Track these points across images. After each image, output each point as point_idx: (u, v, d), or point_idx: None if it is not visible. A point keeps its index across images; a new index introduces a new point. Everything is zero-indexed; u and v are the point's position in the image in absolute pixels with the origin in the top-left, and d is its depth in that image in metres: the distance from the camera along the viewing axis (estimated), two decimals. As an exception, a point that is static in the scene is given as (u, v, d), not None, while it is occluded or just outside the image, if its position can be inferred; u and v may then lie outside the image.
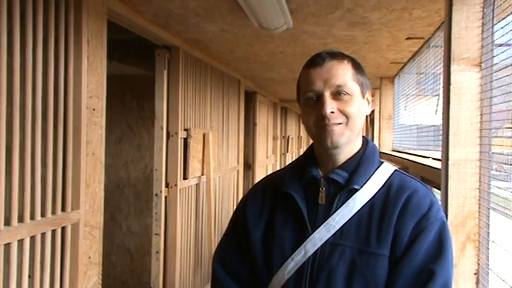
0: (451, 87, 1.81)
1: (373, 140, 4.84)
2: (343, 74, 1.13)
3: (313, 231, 1.12)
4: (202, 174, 3.75)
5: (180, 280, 3.38)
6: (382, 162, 1.20)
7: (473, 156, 1.79)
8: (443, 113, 1.88)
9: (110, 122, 4.10)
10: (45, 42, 1.79)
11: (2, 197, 1.58)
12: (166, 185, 3.21)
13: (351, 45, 3.33)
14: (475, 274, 1.76)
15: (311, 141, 1.26)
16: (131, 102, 4.61)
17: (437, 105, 3.05)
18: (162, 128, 3.14)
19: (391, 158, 3.98)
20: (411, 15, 2.50)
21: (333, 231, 1.10)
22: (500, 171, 1.69)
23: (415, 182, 1.15)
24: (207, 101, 3.91)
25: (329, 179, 1.15)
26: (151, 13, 2.57)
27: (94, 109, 2.07)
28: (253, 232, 1.21)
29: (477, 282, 1.76)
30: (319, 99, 1.12)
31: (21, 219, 1.68)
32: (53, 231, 1.85)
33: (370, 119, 6.37)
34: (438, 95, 2.92)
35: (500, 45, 1.73)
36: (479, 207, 1.77)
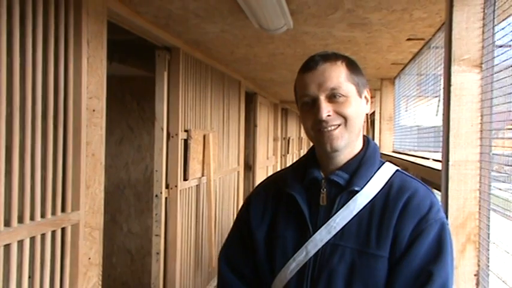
0: (452, 88, 1.81)
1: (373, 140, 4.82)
2: (337, 76, 1.13)
3: (314, 232, 1.12)
4: (203, 175, 3.75)
5: (180, 281, 3.38)
6: (383, 162, 1.20)
7: (473, 157, 1.78)
8: (443, 114, 1.88)
9: (110, 123, 4.11)
10: (45, 43, 1.79)
11: (2, 198, 1.58)
12: (167, 186, 3.21)
13: (351, 46, 3.33)
14: (475, 275, 1.76)
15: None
16: (131, 103, 4.61)
17: (438, 106, 3.05)
18: (162, 129, 3.14)
19: (391, 159, 3.97)
20: (412, 16, 2.50)
21: (333, 232, 1.10)
22: (500, 172, 1.68)
23: (415, 183, 1.15)
24: (208, 102, 3.91)
25: (330, 181, 1.16)
26: (152, 14, 2.57)
27: (94, 110, 2.07)
28: (256, 232, 1.22)
29: (477, 284, 1.76)
30: (315, 103, 1.12)
31: (21, 220, 1.68)
32: (53, 232, 1.85)
33: (371, 120, 6.37)
34: (439, 96, 2.91)
35: (501, 46, 1.73)
36: (479, 209, 1.77)
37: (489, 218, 1.73)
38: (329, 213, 1.13)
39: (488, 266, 1.72)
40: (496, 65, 1.73)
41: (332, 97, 1.12)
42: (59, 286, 1.89)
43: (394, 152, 4.67)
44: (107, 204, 2.29)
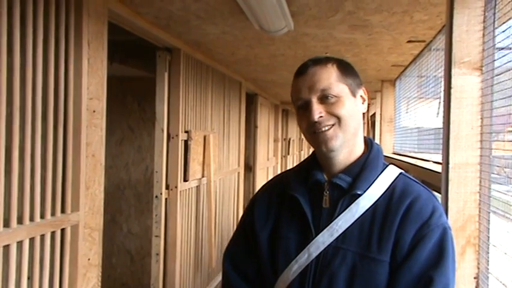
0: (452, 90, 1.81)
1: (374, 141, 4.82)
2: (327, 77, 1.14)
3: (316, 235, 1.13)
4: (203, 176, 3.75)
5: (180, 282, 3.37)
6: (387, 165, 1.20)
7: (473, 160, 1.78)
8: (444, 117, 1.88)
9: (111, 123, 4.11)
10: (45, 44, 1.79)
11: (1, 198, 1.58)
12: (167, 187, 3.21)
13: (352, 48, 3.33)
14: (475, 278, 1.76)
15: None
16: (132, 104, 4.61)
17: (439, 107, 3.04)
18: (162, 130, 3.14)
19: (391, 161, 3.96)
20: (412, 18, 2.50)
21: (336, 235, 1.11)
22: (499, 174, 1.68)
23: (418, 187, 1.15)
24: (208, 103, 3.91)
25: (333, 184, 1.16)
26: (153, 15, 2.57)
27: (94, 111, 2.07)
28: (260, 233, 1.23)
29: (477, 287, 1.75)
30: (308, 106, 1.14)
31: (20, 220, 1.68)
32: (52, 233, 1.85)
33: (371, 122, 6.37)
34: (440, 97, 2.91)
35: (502, 48, 1.72)
36: (479, 211, 1.77)
37: (489, 220, 1.73)
38: (332, 216, 1.13)
39: (488, 268, 1.72)
40: (497, 67, 1.73)
41: (324, 98, 1.13)
42: (58, 287, 1.89)
43: (394, 153, 4.67)
44: (107, 204, 2.29)
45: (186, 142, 3.37)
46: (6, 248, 1.60)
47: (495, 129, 1.74)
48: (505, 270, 1.62)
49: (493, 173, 1.71)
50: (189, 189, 3.49)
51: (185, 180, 3.37)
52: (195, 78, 3.56)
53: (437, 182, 2.11)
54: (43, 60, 1.78)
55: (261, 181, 6.32)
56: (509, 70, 1.64)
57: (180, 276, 3.36)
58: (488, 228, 1.72)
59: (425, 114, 3.45)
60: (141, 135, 4.60)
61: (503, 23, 1.71)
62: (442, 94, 2.01)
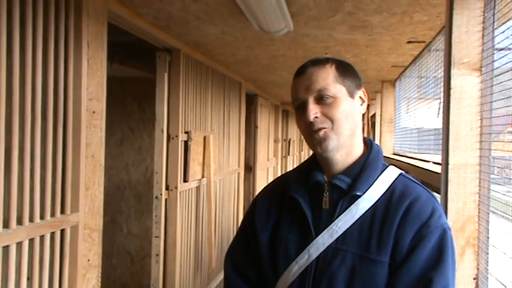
0: (451, 91, 1.81)
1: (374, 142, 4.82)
2: (324, 78, 1.14)
3: (316, 236, 1.13)
4: (203, 176, 3.75)
5: (180, 283, 3.37)
6: (387, 166, 1.20)
7: (473, 160, 1.78)
8: (443, 118, 1.88)
9: (111, 124, 4.11)
10: (45, 44, 1.79)
11: (1, 199, 1.58)
12: (167, 188, 3.21)
13: (352, 49, 3.33)
14: (474, 279, 1.76)
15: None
16: (132, 105, 4.62)
17: (439, 108, 3.04)
18: (162, 131, 3.14)
19: (391, 162, 3.96)
20: (412, 19, 2.50)
21: (335, 236, 1.11)
22: (497, 174, 1.68)
23: (418, 188, 1.15)
24: (208, 104, 3.91)
25: (332, 185, 1.16)
26: (152, 15, 2.58)
27: (94, 111, 2.07)
28: (260, 234, 1.24)
29: (476, 287, 1.75)
30: (304, 106, 1.14)
31: (20, 221, 1.68)
32: (52, 234, 1.85)
33: (372, 122, 6.37)
34: (440, 98, 2.91)
35: (501, 49, 1.73)
36: (478, 212, 1.77)
37: (488, 221, 1.73)
38: (331, 217, 1.13)
39: (488, 269, 1.72)
40: (496, 68, 1.73)
41: (320, 99, 1.13)
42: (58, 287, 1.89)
43: (394, 154, 4.67)
44: (107, 205, 2.30)
45: (186, 143, 3.37)
46: (6, 248, 1.60)
47: (495, 130, 1.74)
48: (505, 270, 1.62)
49: (493, 174, 1.71)
50: (189, 189, 3.49)
51: (185, 180, 3.37)
52: (195, 79, 3.56)
53: (437, 182, 2.11)
54: (43, 61, 1.78)
55: (261, 181, 6.32)
56: (508, 71, 1.64)
57: (180, 277, 3.36)
58: (488, 229, 1.72)
59: (425, 114, 3.45)
60: (141, 135, 4.61)
61: (503, 23, 1.71)
62: (441, 95, 2.02)
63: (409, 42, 3.06)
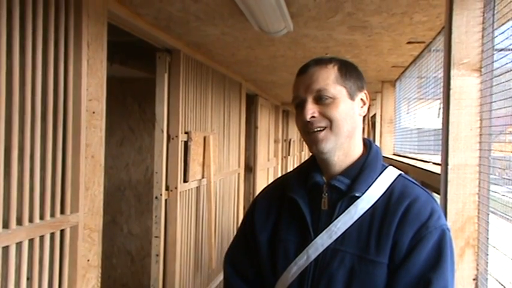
0: (451, 92, 1.81)
1: (374, 142, 4.82)
2: (324, 78, 1.14)
3: (315, 237, 1.13)
4: (203, 177, 3.75)
5: (180, 283, 3.37)
6: (386, 167, 1.20)
7: (472, 161, 1.78)
8: (443, 118, 1.88)
9: (111, 124, 4.12)
10: (44, 45, 1.79)
11: (1, 199, 1.58)
12: (167, 188, 3.21)
13: (352, 49, 3.33)
14: (474, 279, 1.76)
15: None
16: (132, 105, 4.62)
17: (440, 108, 3.04)
18: (162, 131, 3.14)
19: (391, 162, 3.96)
20: (412, 19, 2.50)
21: (334, 237, 1.11)
22: (498, 175, 1.68)
23: (417, 189, 1.15)
24: (208, 104, 3.91)
25: (331, 186, 1.16)
26: (152, 16, 2.58)
27: (94, 112, 2.07)
28: (260, 235, 1.24)
29: (476, 288, 1.75)
30: (303, 105, 1.14)
31: (19, 221, 1.68)
32: (52, 234, 1.85)
33: (372, 123, 6.36)
34: (440, 98, 2.91)
35: (501, 50, 1.72)
36: (478, 212, 1.76)
37: (488, 222, 1.73)
38: (330, 218, 1.13)
39: (487, 270, 1.72)
40: (496, 69, 1.73)
41: (319, 99, 1.13)
42: (58, 288, 1.89)
43: (394, 154, 4.67)
44: (107, 205, 2.30)
45: (186, 143, 3.38)
46: (6, 249, 1.60)
47: (495, 130, 1.74)
48: (504, 271, 1.62)
49: (492, 174, 1.71)
50: (189, 190, 3.49)
51: (185, 181, 3.37)
52: (195, 79, 3.56)
53: (436, 183, 2.11)
54: (42, 61, 1.78)
55: (261, 182, 6.32)
56: (508, 71, 1.64)
57: (179, 277, 3.36)
58: (488, 230, 1.72)
59: (425, 115, 3.45)
60: (141, 136, 4.61)
61: (502, 24, 1.71)
62: (441, 95, 2.02)
63: (409, 42, 3.06)
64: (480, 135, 1.78)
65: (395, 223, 1.08)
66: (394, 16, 2.46)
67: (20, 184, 1.68)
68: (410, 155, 3.87)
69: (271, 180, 5.35)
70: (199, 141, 3.59)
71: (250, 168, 6.22)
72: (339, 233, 1.11)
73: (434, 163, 2.81)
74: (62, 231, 1.91)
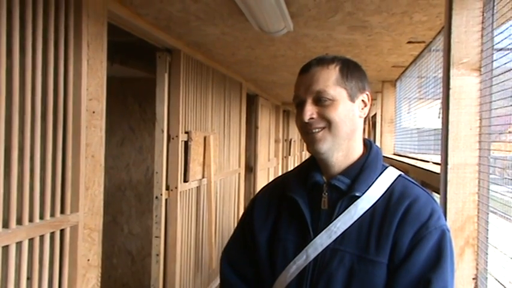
0: (451, 91, 1.81)
1: (374, 143, 4.81)
2: (325, 79, 1.13)
3: (315, 236, 1.12)
4: (203, 177, 3.75)
5: (180, 283, 3.38)
6: (386, 167, 1.19)
7: (472, 160, 1.78)
8: (442, 118, 1.88)
9: (112, 124, 4.12)
10: (44, 45, 1.79)
11: (1, 199, 1.59)
12: (167, 188, 3.21)
13: (352, 49, 3.33)
14: (473, 279, 1.76)
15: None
16: (133, 105, 4.62)
17: (440, 108, 3.04)
18: (162, 131, 3.15)
19: (392, 162, 3.97)
20: (412, 19, 2.50)
21: (334, 237, 1.11)
22: (498, 175, 1.68)
23: (417, 189, 1.15)
24: (208, 104, 3.91)
25: (331, 185, 1.16)
26: (152, 16, 2.58)
27: (94, 112, 2.08)
28: (258, 234, 1.23)
29: (476, 287, 1.75)
30: (303, 105, 1.14)
31: (19, 221, 1.68)
32: (52, 234, 1.86)
33: (372, 123, 6.36)
34: (440, 98, 2.91)
35: (500, 49, 1.73)
36: (478, 212, 1.76)
37: (488, 221, 1.73)
38: (330, 218, 1.13)
39: (487, 269, 1.72)
40: (495, 68, 1.73)
41: (318, 100, 1.12)
42: (58, 287, 1.89)
43: (395, 154, 4.66)
44: (108, 205, 2.30)
45: (186, 143, 3.38)
46: (6, 248, 1.61)
47: (495, 130, 1.74)
48: (504, 270, 1.62)
49: (492, 174, 1.71)
50: (189, 190, 3.49)
51: (185, 181, 3.38)
52: (195, 79, 3.56)
53: (436, 183, 2.11)
54: (42, 61, 1.78)
55: (261, 182, 6.32)
56: (507, 71, 1.64)
57: (180, 277, 3.37)
58: (487, 229, 1.72)
59: (426, 115, 3.45)
60: (142, 135, 4.61)
61: (502, 24, 1.71)
62: (441, 95, 2.02)
63: (409, 42, 3.06)
64: (480, 134, 1.78)
65: (395, 223, 1.08)
66: (394, 16, 2.46)
67: (20, 184, 1.69)
68: (410, 155, 3.86)
69: (271, 180, 5.34)
70: (199, 141, 3.59)
71: (250, 168, 6.22)
72: (339, 233, 1.10)
73: (434, 163, 2.81)
74: (62, 231, 1.92)
